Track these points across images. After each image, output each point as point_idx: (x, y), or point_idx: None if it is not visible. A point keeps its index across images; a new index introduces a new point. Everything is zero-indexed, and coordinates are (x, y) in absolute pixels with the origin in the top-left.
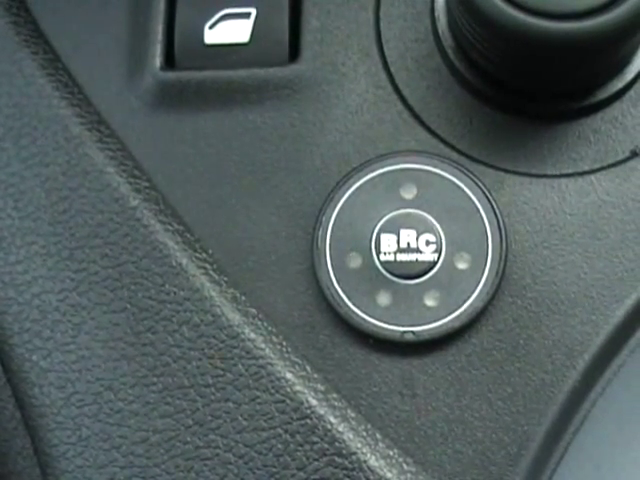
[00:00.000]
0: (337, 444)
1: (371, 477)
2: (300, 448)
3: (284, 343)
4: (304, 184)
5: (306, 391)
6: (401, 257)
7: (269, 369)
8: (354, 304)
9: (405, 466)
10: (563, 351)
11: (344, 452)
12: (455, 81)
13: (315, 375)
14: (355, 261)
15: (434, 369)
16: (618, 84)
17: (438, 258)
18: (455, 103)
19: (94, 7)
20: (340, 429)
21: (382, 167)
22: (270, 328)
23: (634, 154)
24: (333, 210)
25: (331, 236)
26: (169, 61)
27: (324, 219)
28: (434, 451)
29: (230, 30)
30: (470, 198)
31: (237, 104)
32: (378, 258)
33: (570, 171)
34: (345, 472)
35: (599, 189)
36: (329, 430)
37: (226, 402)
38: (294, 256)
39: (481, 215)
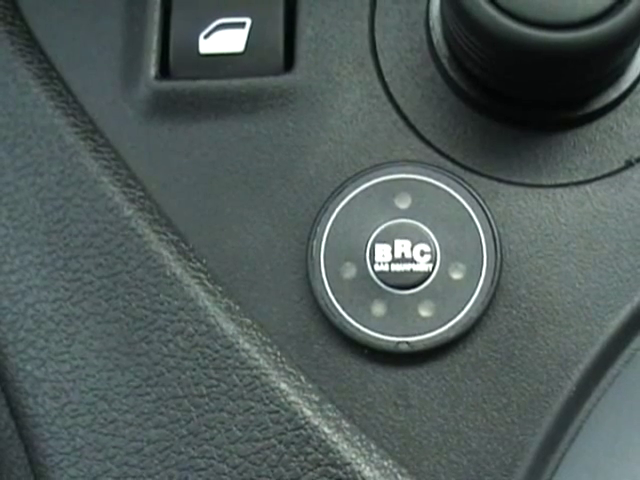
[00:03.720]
0: (331, 454)
1: None
2: (294, 459)
3: (278, 353)
4: (299, 194)
5: (300, 401)
6: (396, 267)
7: (263, 379)
8: (348, 314)
9: (400, 477)
10: (558, 361)
11: (338, 462)
12: (450, 90)
13: (309, 385)
14: (350, 271)
15: (429, 379)
16: (613, 94)
17: (433, 268)
18: (450, 112)
19: (89, 16)
20: (334, 439)
21: (377, 177)
22: (264, 338)
23: (629, 164)
24: (328, 220)
25: (326, 246)
26: (164, 71)
27: (319, 229)
28: (429, 461)
29: (225, 40)
30: (465, 208)
31: (232, 114)
32: (373, 268)
33: (565, 181)
34: None
35: (594, 199)
36: (323, 440)
37: (220, 412)
38: (288, 266)
39: (476, 225)
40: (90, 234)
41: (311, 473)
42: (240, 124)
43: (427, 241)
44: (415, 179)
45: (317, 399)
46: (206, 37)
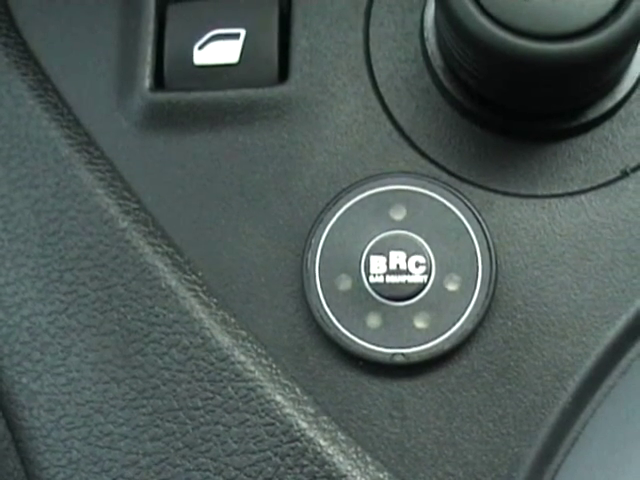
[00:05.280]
0: (327, 467)
1: None
2: (290, 471)
3: (274, 365)
4: (293, 205)
5: (296, 414)
6: (391, 279)
7: (259, 392)
8: (344, 326)
9: None
10: (553, 372)
11: (334, 475)
12: (445, 101)
13: (305, 397)
14: (345, 283)
15: (424, 391)
16: (608, 104)
17: (428, 280)
18: (445, 123)
19: (84, 28)
20: (330, 452)
21: (371, 188)
22: (260, 350)
23: (624, 174)
24: (322, 232)
25: (321, 258)
26: (159, 82)
27: (313, 241)
28: (424, 473)
29: (219, 51)
30: (460, 219)
31: (226, 125)
32: (368, 280)
33: (560, 191)
34: None
35: (589, 209)
36: (319, 453)
37: (216, 425)
38: (284, 278)
39: (471, 236)
40: (85, 246)
41: None
42: (235, 135)
43: (422, 252)
44: (410, 190)
45: (312, 411)
46: (200, 48)
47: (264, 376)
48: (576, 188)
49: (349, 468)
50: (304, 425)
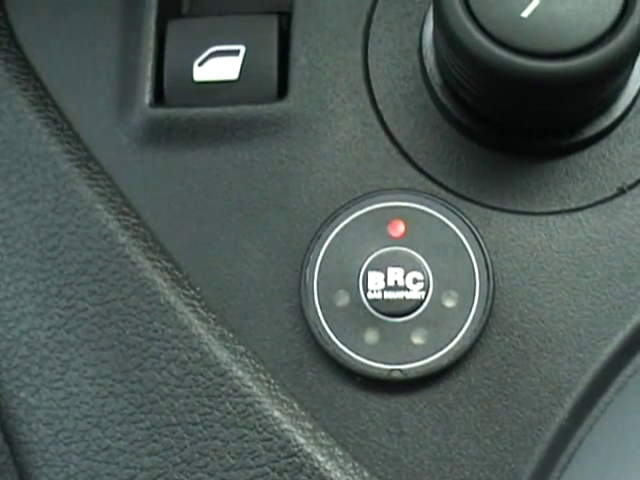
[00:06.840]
0: None
1: None
2: None
3: (272, 381)
4: (292, 221)
5: (293, 429)
6: (388, 295)
7: (257, 407)
8: (342, 342)
9: None
10: (550, 389)
11: None
12: (443, 118)
13: (303, 413)
14: (343, 299)
15: (421, 407)
16: (605, 121)
17: (425, 296)
18: (443, 140)
19: (84, 44)
20: (327, 467)
21: (370, 205)
22: (258, 366)
23: (621, 191)
24: (321, 248)
25: (319, 274)
26: (158, 98)
27: (312, 257)
28: None
29: (219, 67)
30: (457, 236)
31: (226, 141)
32: (366, 296)
33: (557, 208)
34: None
35: (586, 226)
36: (316, 468)
37: (213, 440)
38: (282, 293)
39: (468, 253)
40: (84, 261)
41: None
42: (234, 152)
43: (420, 269)
44: (408, 207)
45: (310, 427)
46: (200, 65)
47: (262, 391)
48: (573, 205)
49: None
50: (302, 440)
